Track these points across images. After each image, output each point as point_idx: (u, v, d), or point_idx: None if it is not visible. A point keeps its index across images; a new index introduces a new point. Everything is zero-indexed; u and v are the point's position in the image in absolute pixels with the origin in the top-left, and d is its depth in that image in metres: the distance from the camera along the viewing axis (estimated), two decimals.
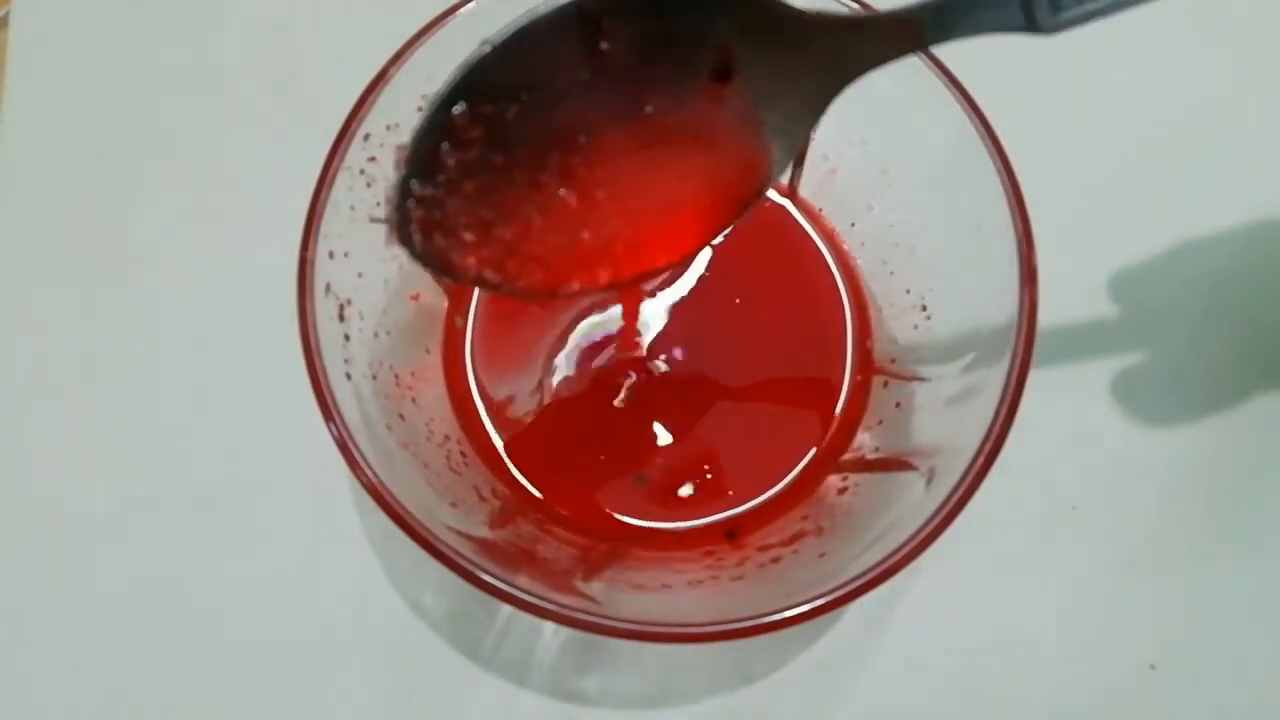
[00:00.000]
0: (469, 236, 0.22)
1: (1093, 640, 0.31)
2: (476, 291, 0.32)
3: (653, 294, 0.32)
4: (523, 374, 0.31)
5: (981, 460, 0.23)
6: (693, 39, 0.21)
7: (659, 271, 0.24)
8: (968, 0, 0.20)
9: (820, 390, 0.31)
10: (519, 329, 0.31)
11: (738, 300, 0.32)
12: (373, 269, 0.26)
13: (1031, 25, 0.19)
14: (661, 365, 0.31)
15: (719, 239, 0.24)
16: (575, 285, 0.23)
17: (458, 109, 0.20)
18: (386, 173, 0.24)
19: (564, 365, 0.31)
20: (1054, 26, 0.19)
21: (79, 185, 0.35)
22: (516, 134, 0.21)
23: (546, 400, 0.31)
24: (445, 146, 0.20)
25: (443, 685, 0.30)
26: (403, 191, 0.21)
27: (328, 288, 0.24)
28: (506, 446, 0.30)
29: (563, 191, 0.22)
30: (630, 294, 0.31)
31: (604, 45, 0.20)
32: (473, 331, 0.31)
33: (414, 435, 0.27)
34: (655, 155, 0.22)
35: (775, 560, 0.27)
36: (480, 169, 0.21)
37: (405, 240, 0.21)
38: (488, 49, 0.20)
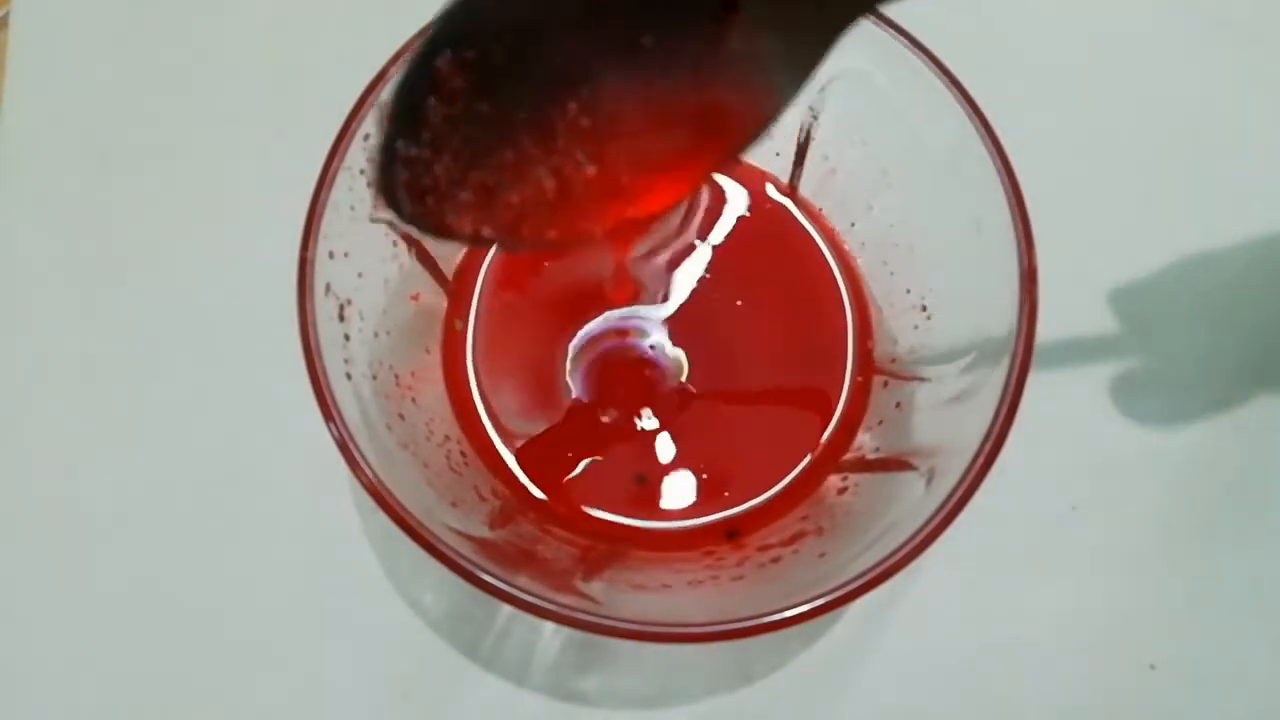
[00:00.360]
0: (462, 193, 0.20)
1: (1093, 640, 0.31)
2: (477, 291, 0.32)
3: (651, 260, 0.31)
4: (523, 373, 0.31)
5: (981, 460, 0.23)
6: None
7: (660, 215, 0.23)
8: None
9: (820, 390, 0.31)
10: (519, 328, 0.31)
11: (738, 301, 0.32)
12: (373, 269, 0.26)
13: None
14: (662, 364, 0.31)
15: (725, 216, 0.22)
16: (576, 232, 0.22)
17: (442, 58, 0.19)
18: None
19: (564, 364, 0.31)
20: None
21: (79, 185, 0.35)
22: (507, 77, 0.19)
23: (547, 400, 0.31)
24: (432, 101, 0.19)
25: (442, 685, 0.30)
26: (388, 151, 0.19)
27: (328, 288, 0.24)
28: (506, 446, 0.30)
29: (560, 135, 0.20)
30: (622, 241, 0.29)
31: None
32: (473, 331, 0.31)
33: (414, 435, 0.27)
34: (655, 90, 0.20)
35: (775, 560, 0.27)
36: (470, 120, 0.19)
37: (392, 203, 0.20)
38: None
